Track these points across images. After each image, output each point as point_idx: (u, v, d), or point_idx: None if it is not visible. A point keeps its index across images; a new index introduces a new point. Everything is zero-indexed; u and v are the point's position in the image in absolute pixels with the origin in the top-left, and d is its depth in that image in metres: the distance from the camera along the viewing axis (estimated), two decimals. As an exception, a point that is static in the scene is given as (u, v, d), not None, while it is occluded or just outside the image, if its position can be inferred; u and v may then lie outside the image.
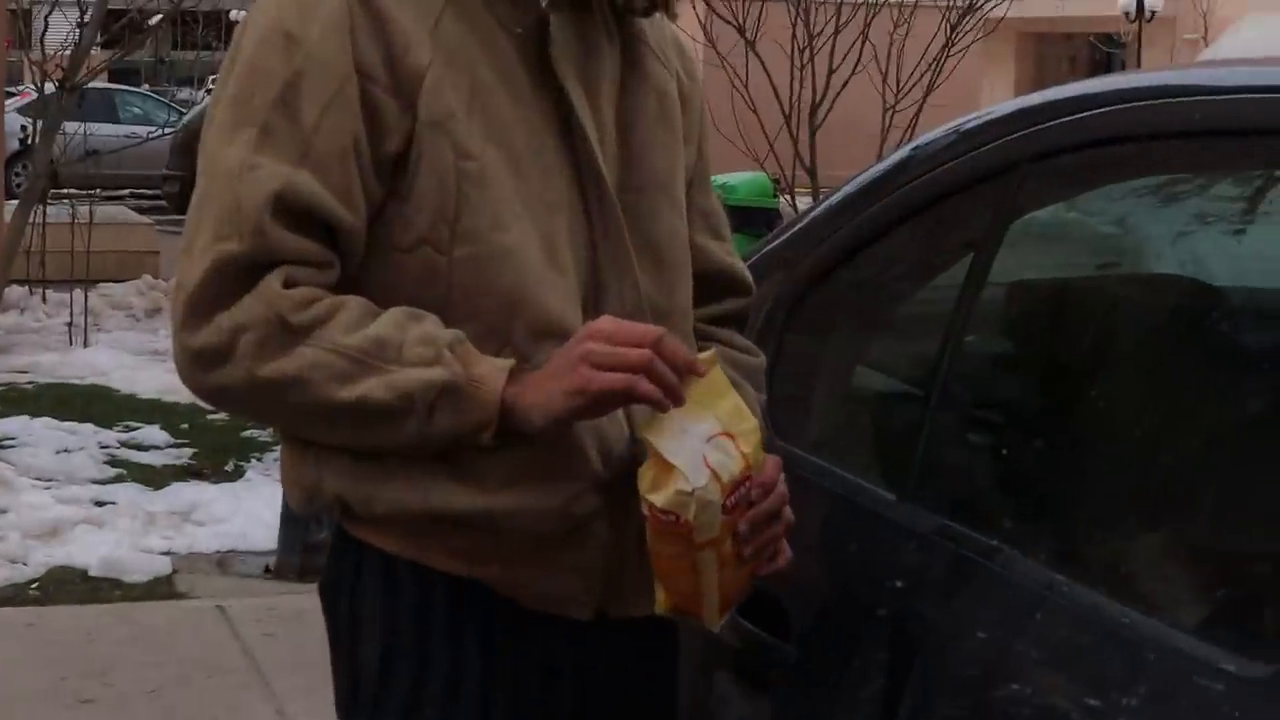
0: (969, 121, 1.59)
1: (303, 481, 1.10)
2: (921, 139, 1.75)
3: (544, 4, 1.02)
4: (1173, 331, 1.48)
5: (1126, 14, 22.76)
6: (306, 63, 0.99)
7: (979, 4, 7.33)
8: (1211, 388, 1.33)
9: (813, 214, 1.92)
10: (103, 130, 11.87)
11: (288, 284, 0.95)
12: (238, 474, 5.77)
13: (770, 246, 1.86)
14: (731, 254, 1.33)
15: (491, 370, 0.96)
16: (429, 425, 0.97)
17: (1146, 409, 1.37)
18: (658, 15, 1.15)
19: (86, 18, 6.43)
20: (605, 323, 0.98)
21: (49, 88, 7.24)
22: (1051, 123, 1.44)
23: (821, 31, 7.04)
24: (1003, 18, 8.34)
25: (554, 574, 1.07)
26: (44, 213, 7.35)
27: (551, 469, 1.03)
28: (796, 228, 1.88)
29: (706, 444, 0.97)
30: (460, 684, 1.08)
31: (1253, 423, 1.22)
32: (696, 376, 0.98)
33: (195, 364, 1.01)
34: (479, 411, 0.96)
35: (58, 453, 5.67)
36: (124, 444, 6.06)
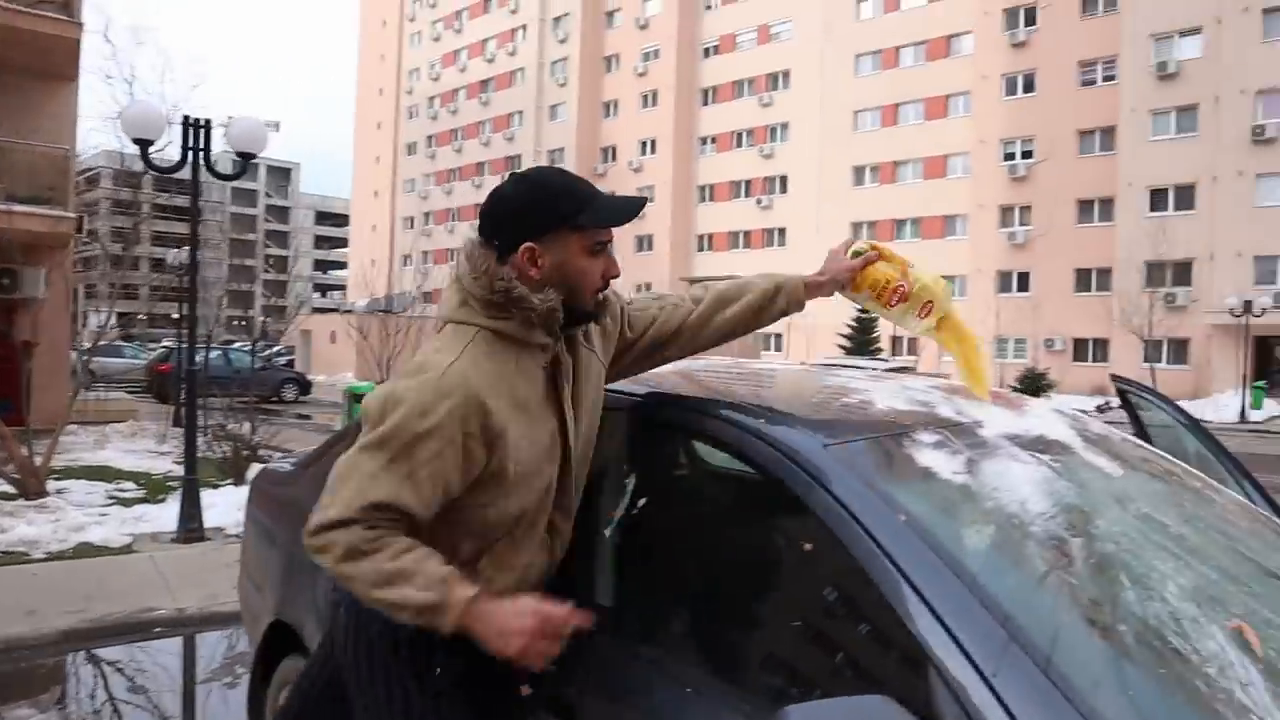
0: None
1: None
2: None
3: (548, 360, 1.64)
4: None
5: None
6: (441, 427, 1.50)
7: None
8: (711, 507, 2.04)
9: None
10: (113, 362, 20.23)
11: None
12: (162, 500, 8.22)
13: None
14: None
15: (460, 599, 1.43)
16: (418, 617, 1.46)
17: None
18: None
19: (109, 318, 10.60)
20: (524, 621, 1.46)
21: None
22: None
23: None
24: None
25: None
26: (77, 397, 10.41)
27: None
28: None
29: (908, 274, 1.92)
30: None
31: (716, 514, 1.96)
32: (899, 262, 1.92)
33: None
34: (445, 623, 1.45)
35: (88, 494, 8.47)
36: (113, 491, 8.80)
